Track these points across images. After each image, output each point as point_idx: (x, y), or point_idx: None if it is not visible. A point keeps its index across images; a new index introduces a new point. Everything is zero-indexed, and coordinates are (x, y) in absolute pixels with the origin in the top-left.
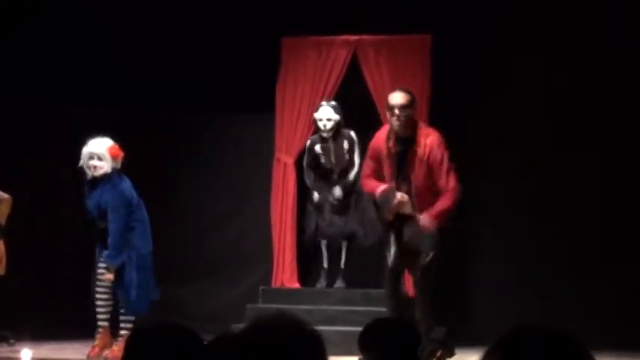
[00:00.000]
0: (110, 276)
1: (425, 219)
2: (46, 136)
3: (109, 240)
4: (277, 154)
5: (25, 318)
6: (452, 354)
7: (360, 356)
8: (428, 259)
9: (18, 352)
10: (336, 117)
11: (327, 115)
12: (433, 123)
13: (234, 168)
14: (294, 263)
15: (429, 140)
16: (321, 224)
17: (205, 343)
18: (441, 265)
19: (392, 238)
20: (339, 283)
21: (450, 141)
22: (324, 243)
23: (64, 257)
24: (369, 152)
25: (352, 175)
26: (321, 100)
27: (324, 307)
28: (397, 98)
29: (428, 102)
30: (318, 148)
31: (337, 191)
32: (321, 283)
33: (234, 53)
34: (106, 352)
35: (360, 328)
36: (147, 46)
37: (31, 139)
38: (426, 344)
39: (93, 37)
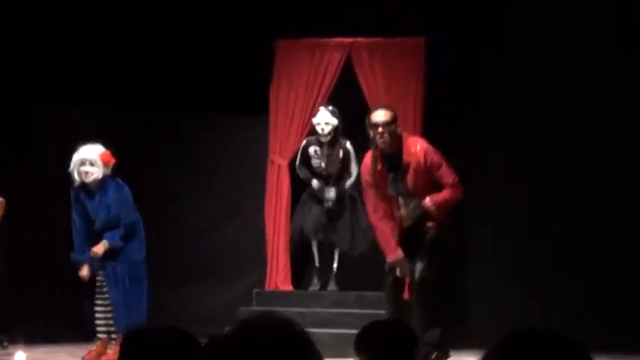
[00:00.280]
0: (100, 249)
1: (427, 200)
2: (45, 137)
3: (119, 228)
4: (271, 157)
5: (19, 320)
6: (447, 356)
7: (356, 358)
8: (426, 262)
9: (12, 354)
10: (335, 121)
11: (325, 119)
12: (428, 125)
13: (230, 170)
14: (288, 266)
15: (419, 147)
16: (312, 224)
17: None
18: (439, 269)
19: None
20: (331, 286)
21: (447, 142)
22: (314, 243)
23: (63, 258)
24: (363, 185)
25: (348, 183)
26: (316, 102)
27: (318, 309)
28: (380, 116)
29: (422, 104)
30: (312, 150)
31: (332, 193)
32: (314, 285)
33: (228, 55)
34: (102, 358)
35: (353, 331)
36: (143, 48)
37: (30, 139)
38: (421, 346)
39: (90, 39)
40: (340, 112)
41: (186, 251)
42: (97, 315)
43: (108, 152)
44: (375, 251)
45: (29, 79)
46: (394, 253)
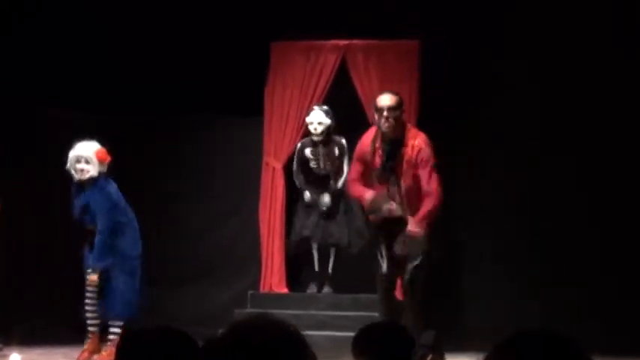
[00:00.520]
0: (94, 277)
1: (412, 225)
2: (45, 137)
3: (95, 242)
4: (266, 159)
5: (16, 321)
6: (442, 358)
7: None
8: (417, 262)
9: (7, 356)
10: (328, 121)
11: (318, 118)
12: (422, 127)
13: (228, 170)
14: (283, 268)
15: (417, 141)
16: (311, 227)
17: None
18: (430, 269)
19: (382, 244)
20: (327, 289)
21: (446, 143)
22: (315, 246)
23: (61, 259)
24: (355, 155)
25: (341, 182)
26: (310, 104)
27: (313, 312)
28: (385, 100)
29: (416, 107)
30: (307, 152)
31: (326, 198)
32: (312, 288)
33: (226, 57)
34: (95, 357)
35: (348, 333)
36: (141, 50)
37: (30, 139)
38: (416, 348)
39: (90, 39)
40: (334, 114)
41: (183, 252)
42: (87, 308)
43: (104, 150)
44: (371, 254)
45: (29, 79)
46: (371, 193)
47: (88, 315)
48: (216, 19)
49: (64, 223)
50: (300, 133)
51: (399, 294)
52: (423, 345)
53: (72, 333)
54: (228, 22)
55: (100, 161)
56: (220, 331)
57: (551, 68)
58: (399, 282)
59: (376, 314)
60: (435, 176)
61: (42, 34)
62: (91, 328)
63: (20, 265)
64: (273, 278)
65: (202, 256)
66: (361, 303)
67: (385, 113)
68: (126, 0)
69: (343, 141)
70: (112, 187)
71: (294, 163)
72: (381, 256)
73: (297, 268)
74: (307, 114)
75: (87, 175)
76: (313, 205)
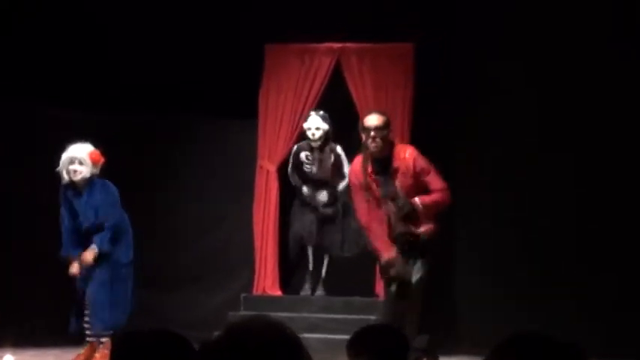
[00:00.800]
0: (90, 257)
1: (416, 199)
2: (45, 137)
3: (106, 230)
4: (260, 162)
5: (9, 323)
6: None
7: None
8: (417, 278)
9: (0, 357)
10: (325, 126)
11: (315, 124)
12: (417, 128)
13: (219, 174)
14: (276, 271)
15: (408, 153)
16: (307, 228)
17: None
18: (430, 275)
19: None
20: (319, 292)
21: (436, 145)
22: (310, 249)
23: (57, 260)
24: (353, 188)
25: (342, 185)
26: (305, 107)
27: (306, 314)
28: (373, 120)
29: (411, 110)
30: (303, 155)
31: (323, 195)
32: (306, 290)
33: (218, 59)
34: None
35: (341, 336)
36: (136, 51)
37: (30, 139)
38: (410, 352)
39: (87, 41)
40: (329, 117)
41: (177, 254)
42: (85, 318)
43: (97, 151)
44: (363, 257)
45: (29, 79)
46: (388, 252)
47: (87, 325)
48: (211, 22)
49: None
50: (295, 136)
51: None
52: (417, 348)
53: (65, 335)
54: (222, 24)
55: (94, 163)
56: (215, 333)
57: (548, 68)
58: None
59: (369, 317)
60: (439, 178)
61: (42, 34)
62: (89, 339)
63: (16, 266)
64: (267, 281)
65: (196, 258)
66: (354, 306)
67: (372, 133)
68: (123, 1)
69: (339, 149)
70: (112, 186)
71: (289, 164)
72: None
73: (290, 271)
74: (303, 118)
75: (79, 177)
76: (310, 202)
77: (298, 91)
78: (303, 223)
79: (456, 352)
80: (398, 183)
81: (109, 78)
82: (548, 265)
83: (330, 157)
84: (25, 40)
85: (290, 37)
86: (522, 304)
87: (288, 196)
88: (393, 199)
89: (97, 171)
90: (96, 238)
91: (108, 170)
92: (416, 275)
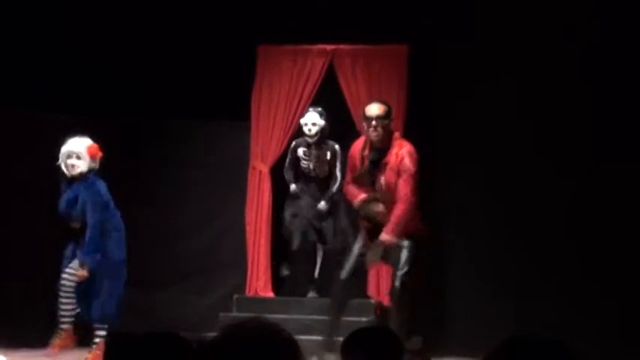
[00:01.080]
0: (84, 272)
1: (383, 236)
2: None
3: (87, 236)
4: (253, 162)
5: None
6: None
7: None
8: (405, 270)
9: None
10: (321, 122)
11: (312, 119)
12: (410, 129)
13: (212, 175)
14: (269, 272)
15: (402, 151)
16: (297, 224)
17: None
18: (418, 278)
19: (358, 250)
20: (311, 293)
21: (429, 146)
22: (320, 249)
23: (53, 262)
24: (348, 162)
25: (335, 187)
26: (298, 108)
27: (298, 316)
28: (374, 109)
29: (404, 111)
30: (300, 151)
31: (322, 205)
32: (312, 293)
33: (210, 60)
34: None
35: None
36: (125, 53)
37: (30, 139)
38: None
39: (77, 44)
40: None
41: (169, 254)
42: (62, 301)
43: (96, 145)
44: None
45: (27, 82)
46: (363, 195)
47: (64, 311)
48: (204, 23)
49: (59, 224)
50: (288, 137)
51: (386, 300)
52: (409, 350)
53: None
54: (215, 25)
55: (92, 157)
56: (205, 334)
57: (542, 70)
58: (386, 288)
59: (361, 318)
60: (409, 184)
61: (34, 36)
62: (64, 326)
63: (9, 267)
64: (259, 282)
65: (187, 259)
66: (346, 307)
67: (374, 122)
68: (116, 3)
69: (337, 147)
70: (102, 186)
71: (287, 160)
72: (349, 261)
73: (294, 273)
74: (298, 117)
75: (77, 171)
76: (300, 195)
77: (291, 93)
78: (294, 219)
79: (448, 354)
80: (384, 179)
81: (100, 80)
82: (540, 266)
83: (327, 154)
84: (23, 42)
85: (283, 39)
86: (514, 305)
87: (281, 197)
88: (376, 193)
89: (95, 165)
90: (81, 252)
91: (100, 171)
92: (399, 280)
